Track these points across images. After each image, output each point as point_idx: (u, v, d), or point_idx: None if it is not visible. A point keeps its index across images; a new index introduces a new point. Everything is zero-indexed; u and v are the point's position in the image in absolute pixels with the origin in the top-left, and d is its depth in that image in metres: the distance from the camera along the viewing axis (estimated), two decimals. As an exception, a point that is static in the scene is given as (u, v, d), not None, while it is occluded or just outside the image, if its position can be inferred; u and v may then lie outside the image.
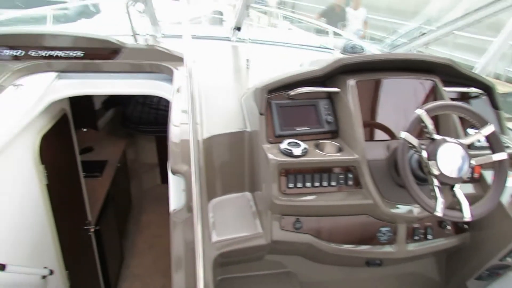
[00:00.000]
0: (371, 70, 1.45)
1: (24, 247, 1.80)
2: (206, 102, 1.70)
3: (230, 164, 1.57)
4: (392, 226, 1.37)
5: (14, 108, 1.61)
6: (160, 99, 4.55)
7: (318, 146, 1.39)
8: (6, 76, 1.75)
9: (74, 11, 10.06)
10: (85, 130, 3.71)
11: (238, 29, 2.64)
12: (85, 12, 10.63)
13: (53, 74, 1.97)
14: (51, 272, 1.96)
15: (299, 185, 1.32)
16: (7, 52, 1.99)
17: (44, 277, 1.94)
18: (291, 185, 1.32)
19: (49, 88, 1.89)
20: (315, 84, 1.49)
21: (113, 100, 4.10)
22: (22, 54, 1.99)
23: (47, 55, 2.00)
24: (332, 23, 4.96)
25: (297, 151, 1.31)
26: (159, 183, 4.69)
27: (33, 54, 1.99)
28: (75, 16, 9.72)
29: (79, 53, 2.01)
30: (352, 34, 5.36)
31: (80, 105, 2.88)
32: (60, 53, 2.00)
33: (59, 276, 2.17)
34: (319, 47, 3.10)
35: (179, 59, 2.10)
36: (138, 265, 3.55)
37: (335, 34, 3.48)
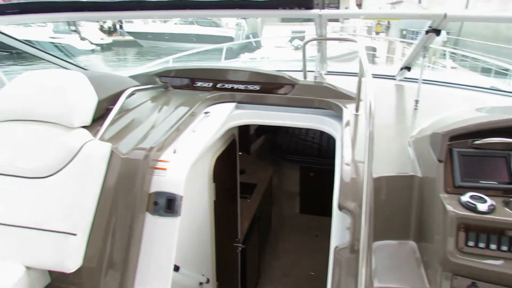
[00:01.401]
0: None
1: (192, 254, 2.03)
2: None
3: (395, 209, 1.49)
4: None
5: (205, 132, 1.87)
6: (307, 131, 4.70)
7: (508, 205, 1.22)
8: (198, 104, 2.06)
9: (238, 46, 11.35)
10: (240, 153, 4.09)
11: (408, 68, 2.56)
12: (247, 47, 11.94)
13: (233, 104, 2.23)
14: (208, 281, 2.16)
15: (481, 245, 1.18)
16: (199, 84, 2.35)
17: (201, 283, 2.15)
18: (471, 243, 1.18)
19: (229, 116, 2.14)
20: (505, 134, 1.32)
21: (264, 128, 4.41)
22: (210, 86, 2.32)
23: (229, 87, 2.29)
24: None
25: (482, 206, 1.18)
26: (297, 212, 4.78)
27: (219, 86, 2.30)
28: (239, 50, 10.98)
29: (257, 87, 2.24)
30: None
31: (240, 131, 3.20)
32: (241, 87, 2.26)
33: (212, 285, 2.38)
34: (500, 91, 2.76)
35: (346, 97, 2.14)
36: (272, 290, 3.63)
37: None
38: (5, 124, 1.58)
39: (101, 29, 27.59)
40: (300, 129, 4.44)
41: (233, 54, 9.20)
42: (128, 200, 1.51)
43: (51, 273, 1.51)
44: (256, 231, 3.38)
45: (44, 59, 2.34)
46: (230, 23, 24.13)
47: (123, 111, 1.84)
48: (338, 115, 2.05)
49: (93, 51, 22.00)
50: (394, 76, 2.82)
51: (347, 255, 1.27)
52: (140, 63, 18.86)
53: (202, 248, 2.22)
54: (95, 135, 1.60)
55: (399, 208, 1.50)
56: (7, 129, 1.57)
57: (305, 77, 2.44)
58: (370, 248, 1.32)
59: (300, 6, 1.84)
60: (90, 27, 24.56)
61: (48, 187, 1.47)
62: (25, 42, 2.22)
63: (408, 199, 1.49)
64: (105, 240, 1.49)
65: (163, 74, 2.40)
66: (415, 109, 2.19)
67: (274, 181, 4.44)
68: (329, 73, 2.93)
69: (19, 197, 1.49)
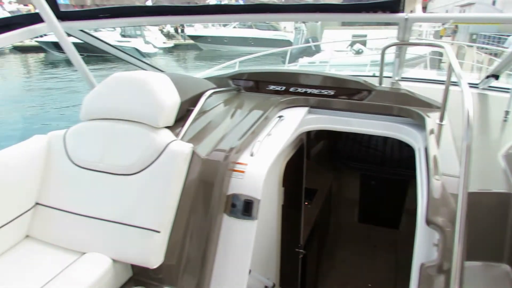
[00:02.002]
0: None
1: (259, 257, 2.03)
2: None
3: (487, 227, 1.37)
4: None
5: (280, 136, 1.85)
6: (370, 137, 4.54)
7: None
8: (272, 108, 2.05)
9: (296, 50, 11.32)
10: (302, 158, 4.04)
11: (496, 77, 2.37)
12: (307, 51, 11.88)
13: (306, 109, 2.20)
14: (274, 285, 2.14)
15: None
16: (272, 87, 2.35)
17: (266, 287, 2.14)
18: None
19: (302, 121, 2.11)
20: None
21: (325, 133, 4.32)
22: (283, 89, 2.31)
23: (302, 91, 2.26)
24: None
25: None
26: (356, 220, 4.63)
27: (292, 89, 2.28)
28: (297, 54, 10.94)
29: (331, 92, 2.19)
30: None
31: None
32: (314, 91, 2.22)
33: None
34: None
35: (426, 105, 2.02)
36: (329, 300, 3.54)
37: None
38: (96, 123, 1.68)
39: (165, 33, 28.93)
40: (363, 135, 4.31)
41: (291, 58, 9.18)
42: (207, 201, 1.54)
43: (133, 266, 1.57)
44: (316, 238, 3.32)
45: (125, 60, 2.47)
46: (288, 27, 24.17)
47: (201, 112, 1.88)
48: (419, 124, 1.94)
49: (155, 54, 23.14)
50: (475, 84, 2.63)
51: (436, 273, 1.19)
52: (199, 65, 19.50)
53: (269, 251, 2.21)
54: (177, 135, 1.65)
55: (492, 227, 1.38)
56: (97, 128, 1.67)
57: (380, 82, 2.35)
58: (463, 268, 1.22)
59: (385, 10, 1.77)
60: (154, 32, 25.86)
61: (134, 184, 1.54)
62: (114, 46, 2.37)
63: (503, 218, 1.36)
64: (184, 239, 1.52)
65: (236, 77, 2.43)
66: (505, 121, 2.01)
67: (333, 188, 4.34)
68: (403, 79, 2.80)
69: (107, 192, 1.57)
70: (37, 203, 1.71)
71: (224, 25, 25.14)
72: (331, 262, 4.00)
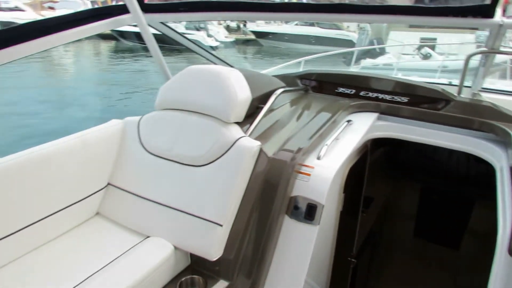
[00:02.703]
0: None
1: (314, 261, 1.99)
2: None
3: None
4: None
5: (348, 141, 1.80)
6: (435, 149, 4.29)
7: None
8: (340, 111, 2.00)
9: (359, 51, 10.97)
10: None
11: None
12: (369, 52, 11.48)
13: (375, 115, 2.11)
14: None
15: None
16: (341, 89, 2.28)
17: None
18: None
19: (371, 127, 2.03)
20: None
21: (384, 140, 4.15)
22: (353, 93, 2.24)
23: (373, 96, 2.17)
24: None
25: None
26: (411, 235, 4.41)
27: (362, 93, 2.20)
28: (360, 55, 10.61)
29: (404, 99, 2.08)
30: None
31: None
32: (386, 97, 2.13)
33: None
34: None
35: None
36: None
37: None
38: (169, 112, 1.74)
39: (227, 28, 29.49)
40: (427, 146, 4.08)
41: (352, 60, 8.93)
42: (269, 200, 1.53)
43: (191, 256, 1.61)
44: (369, 248, 3.20)
45: (197, 53, 2.53)
46: (351, 26, 23.52)
47: (269, 110, 1.87)
48: (503, 141, 1.78)
49: (216, 47, 23.66)
50: None
51: None
52: (258, 61, 19.66)
53: (322, 257, 2.16)
54: (245, 132, 1.65)
55: None
56: (170, 117, 1.73)
57: (460, 92, 2.19)
58: None
59: (476, 15, 1.63)
60: (217, 26, 26.44)
61: (201, 175, 1.57)
62: (189, 39, 2.44)
63: None
64: (244, 235, 1.53)
65: (305, 77, 2.40)
66: None
67: (390, 198, 4.16)
68: (483, 90, 2.59)
69: (174, 181, 1.62)
70: (109, 184, 1.81)
71: (286, 22, 25.06)
72: (382, 276, 3.85)
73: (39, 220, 1.55)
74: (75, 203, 1.70)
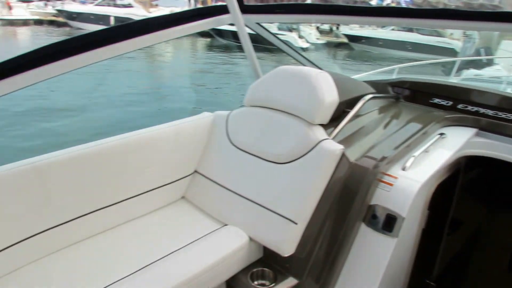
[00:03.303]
0: None
1: (388, 277, 1.91)
2: None
3: None
4: None
5: (438, 155, 1.69)
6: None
7: None
8: (433, 123, 1.87)
9: (461, 61, 10.05)
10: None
11: None
12: (474, 62, 10.45)
13: (473, 130, 1.94)
14: None
15: None
16: (436, 100, 2.14)
17: None
18: None
19: (467, 143, 1.88)
20: None
21: (480, 160, 3.75)
22: (449, 105, 2.08)
23: (473, 110, 2.00)
24: None
25: None
26: (505, 269, 3.94)
27: (460, 106, 2.04)
28: (462, 65, 9.72)
29: (511, 116, 1.88)
30: None
31: None
32: (489, 112, 1.94)
33: None
34: None
35: None
36: None
37: None
38: (256, 109, 1.81)
39: (320, 30, 29.25)
40: None
41: (455, 68, 8.18)
42: (347, 205, 1.51)
43: (264, 249, 1.66)
44: (452, 274, 2.95)
45: (289, 54, 2.58)
46: (455, 33, 21.63)
47: (355, 115, 1.84)
48: None
49: (306, 49, 23.60)
50: None
51: None
52: (348, 66, 19.17)
53: (397, 274, 2.06)
54: (329, 135, 1.65)
55: None
56: (257, 114, 1.80)
57: None
58: None
59: None
60: (309, 27, 26.37)
61: (281, 173, 1.61)
62: (282, 40, 2.50)
63: None
64: (317, 237, 1.53)
65: (397, 84, 2.30)
66: None
67: (483, 225, 3.76)
68: None
69: (256, 176, 1.69)
70: (195, 171, 1.94)
71: (382, 27, 23.99)
72: None
73: (131, 197, 1.74)
74: (164, 185, 1.86)
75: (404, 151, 1.66)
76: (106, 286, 1.33)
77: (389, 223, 1.46)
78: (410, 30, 22.81)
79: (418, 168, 1.58)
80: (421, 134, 1.78)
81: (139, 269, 1.42)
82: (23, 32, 25.16)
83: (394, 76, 3.72)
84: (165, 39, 1.76)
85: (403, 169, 1.55)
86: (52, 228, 1.50)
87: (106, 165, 1.62)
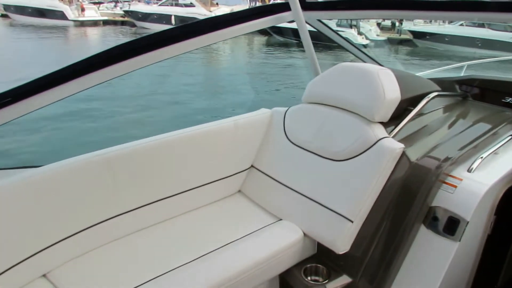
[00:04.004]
0: None
1: (448, 283, 1.83)
2: None
3: None
4: None
5: (508, 157, 1.59)
6: None
7: None
8: (505, 123, 1.76)
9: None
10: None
11: None
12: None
13: None
14: None
15: None
16: (509, 99, 2.00)
17: None
18: None
19: None
20: None
21: None
22: None
23: None
24: None
25: None
26: None
27: None
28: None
29: None
30: None
31: None
32: None
33: None
34: None
35: None
36: None
37: None
38: (314, 106, 1.82)
39: (382, 26, 28.15)
40: None
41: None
42: (406, 206, 1.48)
43: (318, 245, 1.68)
44: None
45: (349, 51, 2.54)
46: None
47: (418, 114, 1.78)
48: None
49: (366, 45, 22.81)
50: None
51: None
52: (410, 64, 18.27)
53: (458, 280, 1.96)
54: (389, 133, 1.62)
55: None
56: (315, 111, 1.81)
57: None
58: None
59: None
60: (370, 23, 25.47)
61: (338, 170, 1.61)
62: (343, 36, 2.48)
63: None
64: (374, 236, 1.52)
65: (465, 82, 2.18)
66: None
67: None
68: None
69: (312, 172, 1.70)
70: (252, 166, 2.00)
71: (450, 22, 22.49)
72: None
73: (190, 189, 1.83)
74: (222, 178, 1.94)
75: (470, 152, 1.58)
76: (168, 271, 1.43)
77: (451, 226, 1.41)
78: (481, 25, 21.15)
79: (485, 170, 1.50)
80: (491, 135, 1.68)
81: (196, 258, 1.50)
82: (95, 33, 27.15)
83: (462, 74, 3.50)
84: (229, 36, 1.83)
85: (469, 170, 1.48)
86: (117, 216, 1.61)
87: (168, 158, 1.73)
